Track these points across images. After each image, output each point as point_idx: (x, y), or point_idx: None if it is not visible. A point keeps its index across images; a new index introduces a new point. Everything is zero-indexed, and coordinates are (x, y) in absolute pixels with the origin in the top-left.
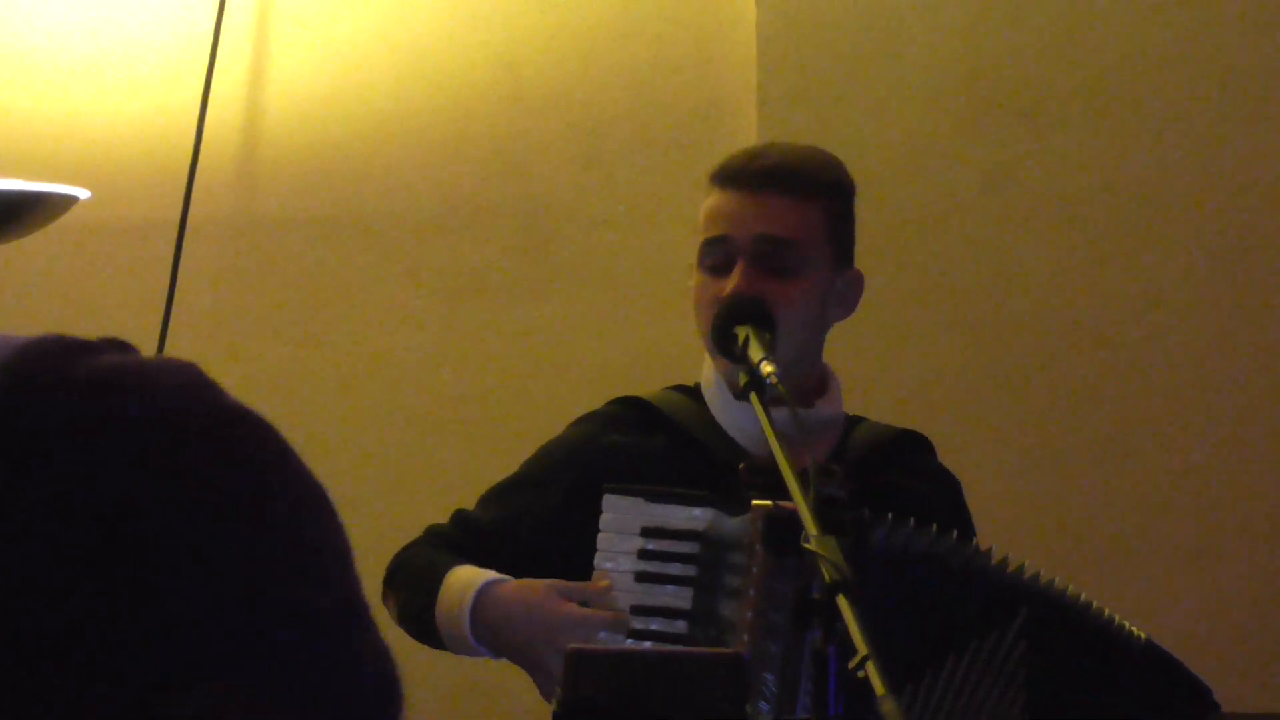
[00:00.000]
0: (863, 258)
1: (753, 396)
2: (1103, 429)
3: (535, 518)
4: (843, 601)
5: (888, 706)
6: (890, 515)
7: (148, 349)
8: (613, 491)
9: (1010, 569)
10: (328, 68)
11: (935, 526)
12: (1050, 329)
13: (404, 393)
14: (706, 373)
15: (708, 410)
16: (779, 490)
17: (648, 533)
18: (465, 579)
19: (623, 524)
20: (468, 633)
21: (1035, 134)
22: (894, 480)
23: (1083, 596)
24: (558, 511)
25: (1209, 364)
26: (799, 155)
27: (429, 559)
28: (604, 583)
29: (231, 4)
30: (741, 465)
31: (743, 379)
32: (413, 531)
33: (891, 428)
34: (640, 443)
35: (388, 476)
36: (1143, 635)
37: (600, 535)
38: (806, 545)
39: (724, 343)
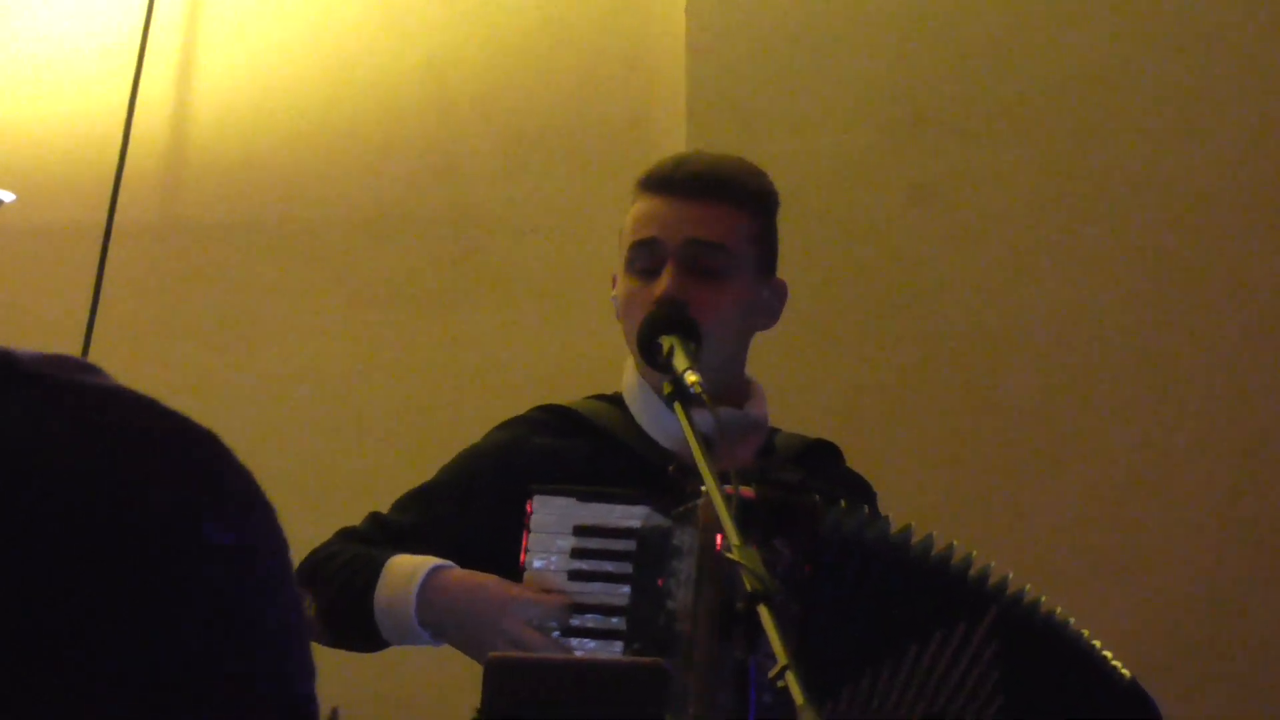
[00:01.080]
0: (789, 269)
1: (677, 405)
2: (1028, 441)
3: (459, 522)
4: (764, 612)
5: (807, 716)
6: (843, 502)
7: (72, 351)
8: (543, 492)
9: (974, 569)
10: (255, 74)
11: (890, 518)
12: (976, 342)
13: (331, 400)
14: (628, 378)
15: (631, 416)
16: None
17: (580, 531)
18: (411, 564)
19: (554, 523)
20: (413, 615)
21: (962, 149)
22: (818, 486)
23: (1057, 611)
24: (483, 515)
25: (1136, 375)
26: (727, 164)
27: (357, 552)
28: (548, 579)
29: (159, 9)
30: (671, 466)
31: (667, 388)
32: None
33: (804, 436)
34: (565, 445)
35: (315, 484)
36: (1126, 674)
37: (531, 535)
38: (729, 555)
39: (649, 351)
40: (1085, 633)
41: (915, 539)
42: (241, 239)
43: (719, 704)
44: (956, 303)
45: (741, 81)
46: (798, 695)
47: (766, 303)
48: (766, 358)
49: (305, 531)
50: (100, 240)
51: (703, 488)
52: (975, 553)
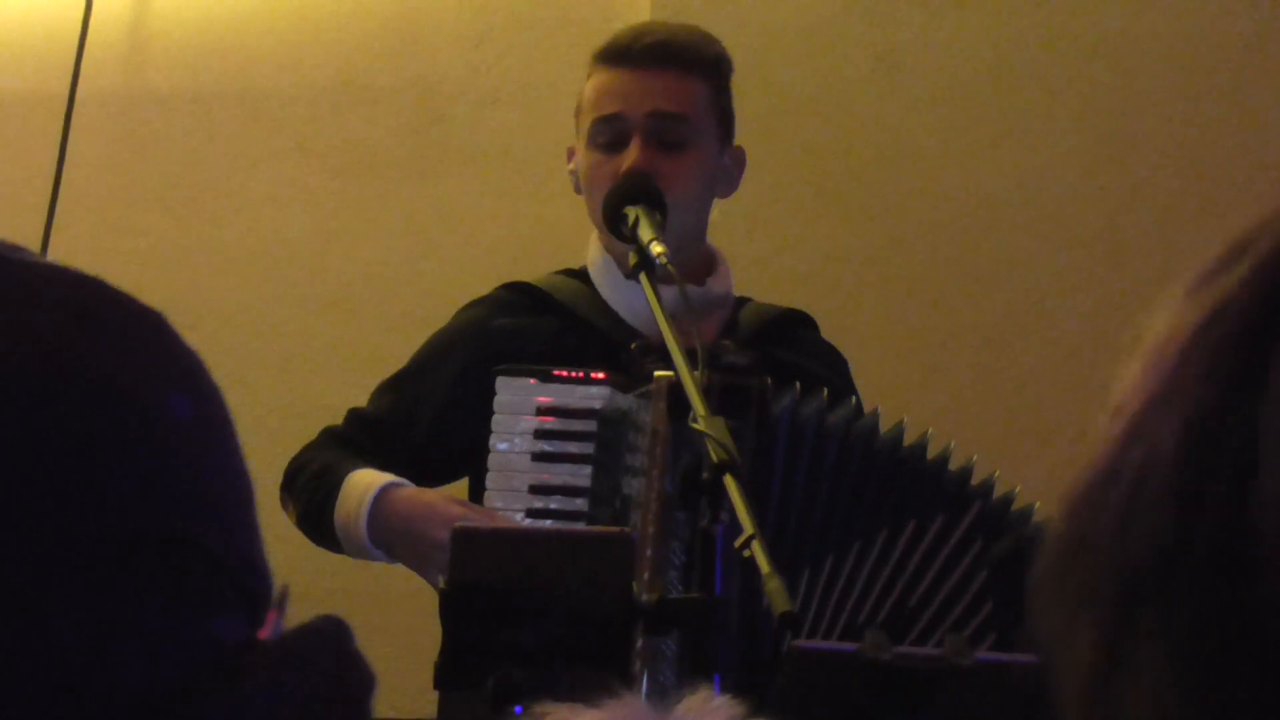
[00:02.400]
0: (753, 138)
1: (642, 277)
2: (999, 307)
3: (429, 405)
4: (729, 481)
5: (772, 584)
6: (798, 386)
7: (36, 222)
8: (505, 373)
9: (954, 465)
10: None
11: (854, 400)
12: (943, 209)
13: (294, 269)
14: (593, 253)
15: (596, 292)
16: (672, 367)
17: (543, 411)
18: (364, 483)
19: (516, 404)
20: (364, 535)
21: (925, 15)
22: (784, 357)
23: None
24: (451, 396)
25: (1100, 244)
26: (684, 33)
27: (325, 462)
28: (511, 461)
29: None
30: (633, 344)
31: (633, 259)
32: (302, 410)
33: (776, 306)
34: (530, 324)
35: (277, 354)
36: None
37: (495, 417)
38: (694, 425)
39: (614, 223)
40: None
41: (886, 427)
42: (204, 109)
43: (681, 571)
44: (922, 170)
45: None
46: (763, 564)
47: (727, 170)
48: (732, 227)
49: (271, 400)
50: (63, 110)
51: (662, 365)
52: (953, 444)
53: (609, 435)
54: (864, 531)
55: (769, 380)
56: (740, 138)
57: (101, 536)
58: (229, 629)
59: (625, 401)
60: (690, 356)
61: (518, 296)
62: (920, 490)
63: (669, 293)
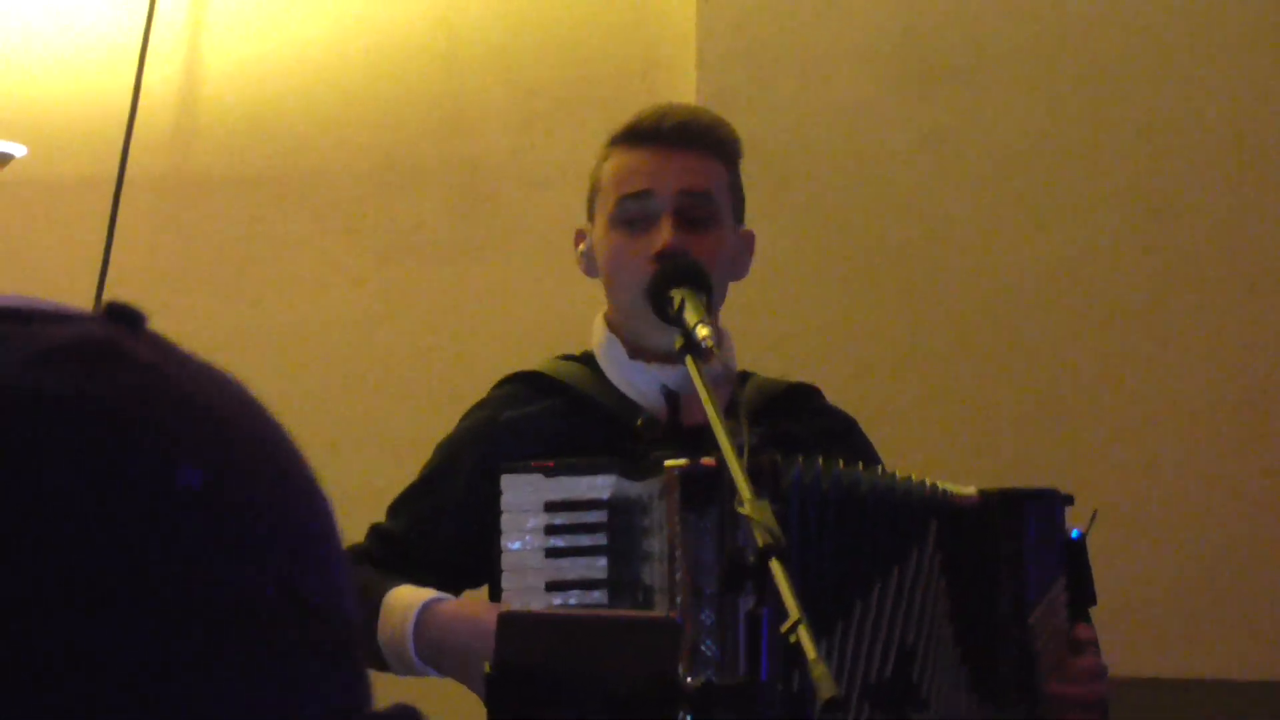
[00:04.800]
0: (798, 217)
1: (689, 360)
2: (1038, 386)
3: (445, 515)
4: (776, 565)
5: (818, 670)
6: (800, 456)
7: (84, 303)
8: (509, 471)
9: (915, 485)
10: (265, 26)
11: (841, 461)
12: (984, 288)
13: (340, 351)
14: (598, 334)
15: (600, 373)
16: (679, 445)
17: (551, 507)
18: (405, 600)
19: (524, 502)
20: (412, 653)
21: (971, 95)
22: (787, 428)
23: (989, 492)
24: (464, 502)
25: (1139, 322)
26: (703, 114)
27: (361, 582)
28: (525, 560)
29: None
30: (639, 421)
31: (679, 342)
32: (349, 491)
33: (780, 380)
34: (534, 413)
35: (324, 435)
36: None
37: (503, 516)
38: (740, 509)
39: (659, 304)
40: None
41: (882, 477)
42: (251, 191)
43: (730, 657)
44: (964, 249)
45: (752, 29)
46: (810, 649)
47: (738, 251)
48: (775, 303)
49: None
50: (112, 193)
51: (669, 445)
52: (913, 476)
53: (620, 524)
54: (864, 589)
55: (779, 456)
56: (784, 216)
57: (225, 595)
58: (342, 694)
59: (634, 489)
60: (735, 439)
61: (519, 387)
62: (897, 529)
63: (678, 373)
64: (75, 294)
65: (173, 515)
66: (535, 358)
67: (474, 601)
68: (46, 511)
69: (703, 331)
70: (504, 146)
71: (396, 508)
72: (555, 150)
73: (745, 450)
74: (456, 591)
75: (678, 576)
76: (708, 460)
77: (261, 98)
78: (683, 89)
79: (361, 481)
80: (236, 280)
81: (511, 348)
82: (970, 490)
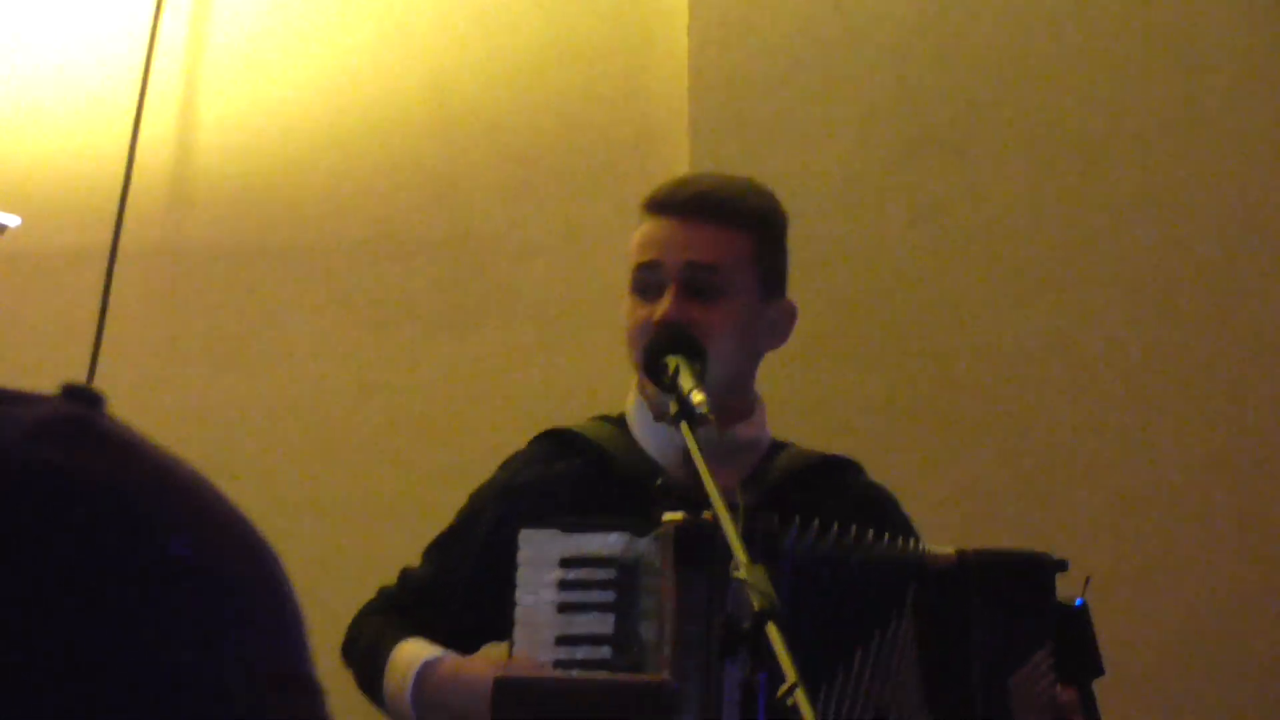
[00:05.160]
0: (792, 288)
1: (683, 425)
2: (1031, 458)
3: (463, 569)
4: (772, 630)
5: None
6: (797, 520)
7: (78, 374)
8: (529, 527)
9: (896, 549)
10: (258, 95)
11: (853, 529)
12: (979, 360)
13: (334, 421)
14: (631, 396)
15: (629, 433)
16: (694, 507)
17: (566, 563)
18: (407, 659)
19: (540, 557)
20: (410, 711)
21: (964, 166)
22: (813, 500)
23: (967, 553)
24: (482, 559)
25: (1133, 396)
26: (728, 184)
27: (375, 635)
28: (537, 615)
29: (163, 33)
30: (658, 482)
31: (673, 407)
32: (339, 561)
33: (816, 453)
34: (557, 472)
35: (316, 505)
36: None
37: (519, 571)
38: (736, 574)
39: (654, 371)
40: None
41: (866, 543)
42: (245, 262)
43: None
44: (959, 321)
45: (743, 101)
46: (808, 713)
47: (772, 322)
48: (767, 374)
49: (309, 553)
50: (105, 263)
51: (680, 507)
52: (899, 540)
53: (626, 581)
54: (845, 657)
55: (775, 520)
56: None
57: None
58: None
59: (641, 544)
60: (731, 504)
61: (548, 445)
62: (877, 596)
63: (704, 437)
64: (69, 365)
65: (169, 585)
66: (528, 427)
67: (474, 660)
68: (53, 581)
69: (697, 398)
70: (496, 216)
71: (428, 552)
72: (548, 220)
73: (741, 515)
74: (475, 643)
75: (666, 632)
76: (698, 519)
77: (254, 169)
78: (676, 160)
79: (354, 551)
80: (230, 351)
81: (505, 417)
82: (949, 551)
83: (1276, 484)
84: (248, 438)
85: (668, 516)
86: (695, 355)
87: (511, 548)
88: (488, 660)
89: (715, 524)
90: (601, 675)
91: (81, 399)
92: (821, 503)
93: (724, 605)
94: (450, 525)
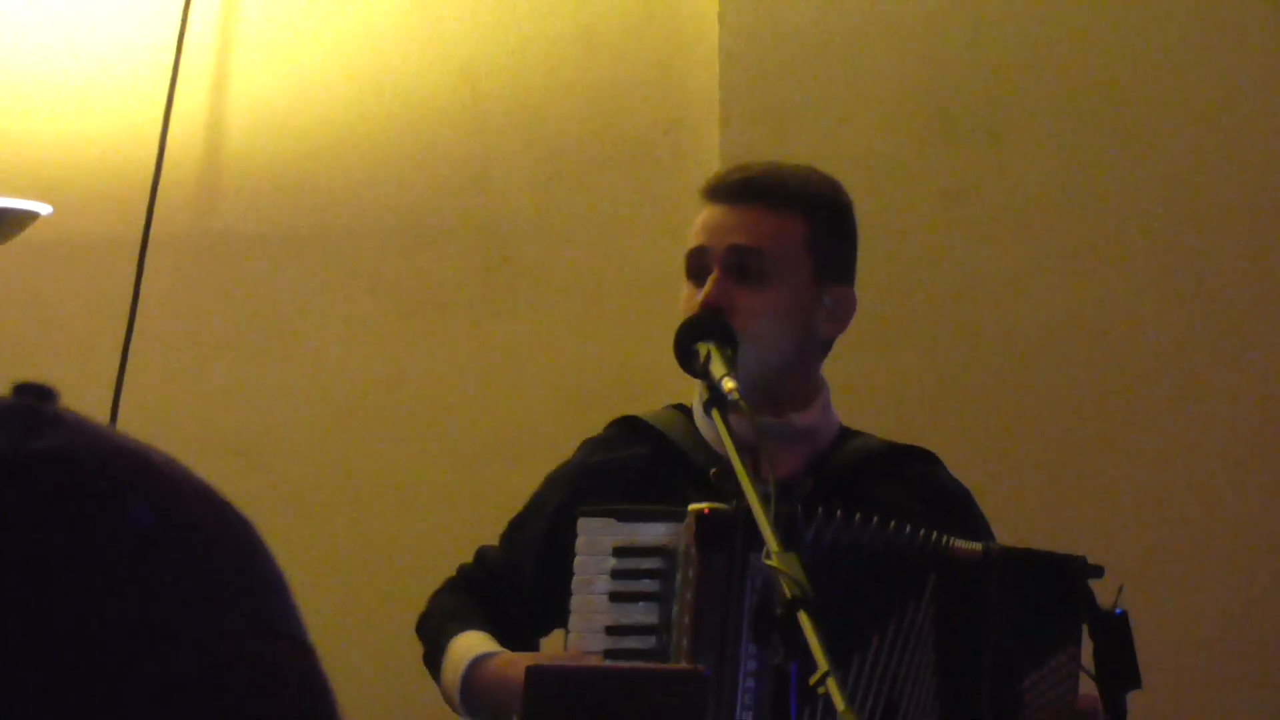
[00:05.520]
0: None
1: (714, 411)
2: (1063, 439)
3: (530, 553)
4: (803, 618)
5: None
6: (820, 510)
7: (109, 366)
8: (586, 514)
9: (919, 538)
10: (289, 84)
11: (874, 518)
12: (1011, 342)
13: (366, 409)
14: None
15: (692, 422)
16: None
17: (619, 552)
18: (460, 653)
19: (595, 545)
20: (461, 709)
21: (995, 150)
22: (880, 491)
23: (992, 548)
24: (546, 542)
25: (1170, 374)
26: (784, 170)
27: (443, 619)
28: (591, 656)
29: (194, 20)
30: (713, 470)
31: (704, 394)
32: (377, 546)
33: (885, 442)
34: (621, 458)
35: (350, 492)
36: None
37: (576, 559)
38: (767, 561)
39: (686, 359)
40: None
41: (888, 531)
42: (277, 250)
43: (762, 709)
44: (990, 304)
45: (774, 87)
46: (839, 701)
47: (829, 310)
48: None
49: (341, 540)
50: (137, 252)
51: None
52: (923, 531)
53: (669, 570)
54: (862, 643)
55: (799, 509)
56: None
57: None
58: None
59: (677, 532)
60: (764, 491)
61: (617, 430)
62: (895, 582)
63: (746, 424)
64: (101, 355)
65: (132, 552)
66: (560, 413)
67: (524, 658)
68: (14, 562)
69: (729, 385)
70: (527, 204)
71: (506, 534)
72: (578, 208)
73: (772, 502)
74: (544, 626)
75: (687, 619)
76: (720, 506)
77: (286, 156)
78: (706, 147)
79: (386, 538)
80: (261, 339)
81: (536, 404)
82: (976, 546)
83: None
84: (279, 425)
85: (693, 506)
86: (727, 341)
87: (573, 532)
88: (536, 658)
89: (738, 511)
90: (634, 664)
91: (30, 393)
92: (889, 494)
93: (743, 592)
94: (525, 505)
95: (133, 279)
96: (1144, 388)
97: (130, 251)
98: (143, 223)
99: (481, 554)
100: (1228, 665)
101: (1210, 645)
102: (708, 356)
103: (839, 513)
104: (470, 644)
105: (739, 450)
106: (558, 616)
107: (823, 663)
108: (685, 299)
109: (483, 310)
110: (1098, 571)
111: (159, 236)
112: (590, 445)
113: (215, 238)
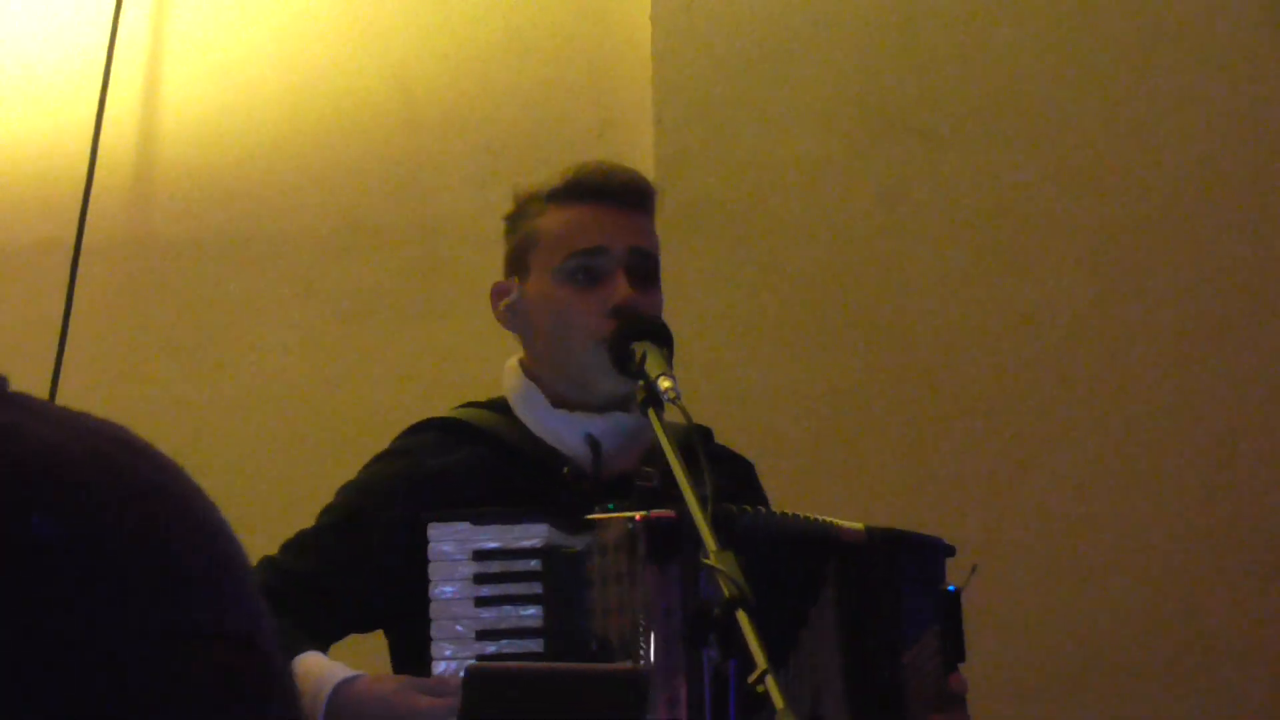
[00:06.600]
0: (760, 271)
1: (651, 413)
2: (998, 440)
3: (363, 561)
4: (742, 617)
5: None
6: (747, 505)
7: (43, 370)
8: (438, 519)
9: (814, 523)
10: (222, 88)
11: (767, 509)
12: (941, 341)
13: (301, 414)
14: (513, 382)
15: (516, 420)
16: (606, 492)
17: (481, 555)
18: (316, 675)
19: (453, 551)
20: None
21: (927, 152)
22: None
23: (874, 530)
24: (384, 554)
25: (1103, 373)
26: (638, 174)
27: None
28: (452, 677)
29: (125, 23)
30: (565, 469)
31: (640, 394)
32: None
33: (679, 425)
34: (459, 461)
35: (284, 498)
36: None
37: (430, 565)
38: (706, 561)
39: (621, 357)
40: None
41: (794, 520)
42: (211, 254)
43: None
44: (924, 304)
45: (708, 87)
46: (778, 699)
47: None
48: (734, 360)
49: (274, 547)
50: (70, 257)
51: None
52: (815, 517)
53: (557, 574)
54: (792, 639)
55: (732, 507)
56: (743, 273)
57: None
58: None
59: (573, 540)
60: (699, 493)
61: (437, 435)
62: (809, 569)
63: (602, 422)
64: (34, 359)
65: (30, 562)
66: None
67: (385, 681)
68: None
69: (665, 384)
70: (463, 207)
71: (301, 547)
72: None
73: (710, 502)
74: (345, 632)
75: (645, 625)
76: (662, 512)
77: (220, 161)
78: (640, 147)
79: None
80: (197, 344)
81: None
82: (858, 526)
83: (1251, 458)
84: (216, 431)
85: (628, 514)
86: (664, 342)
87: (418, 541)
88: (402, 682)
89: (679, 518)
90: (574, 665)
91: None
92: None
93: (697, 596)
94: (329, 521)
95: (66, 284)
96: (1078, 383)
97: (63, 256)
98: (75, 227)
99: (275, 566)
100: (1164, 653)
101: (1149, 634)
102: (643, 356)
103: (748, 508)
104: (322, 667)
105: (668, 452)
106: (390, 623)
107: (762, 661)
108: (564, 299)
109: (420, 314)
110: (951, 550)
111: (92, 242)
112: (410, 454)
113: (149, 242)
